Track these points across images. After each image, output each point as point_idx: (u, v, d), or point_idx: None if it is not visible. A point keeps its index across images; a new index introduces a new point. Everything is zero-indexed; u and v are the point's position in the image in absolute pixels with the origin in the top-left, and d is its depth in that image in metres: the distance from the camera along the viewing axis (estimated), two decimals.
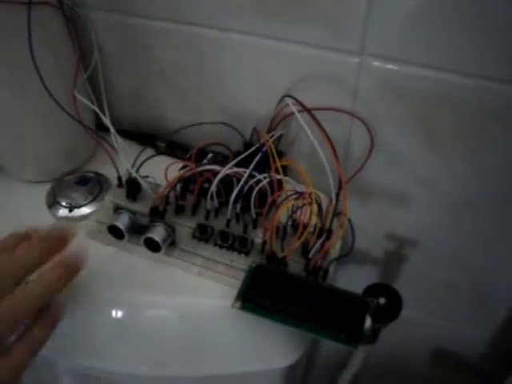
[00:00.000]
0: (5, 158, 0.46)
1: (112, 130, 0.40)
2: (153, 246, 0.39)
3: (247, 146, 0.44)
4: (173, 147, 0.49)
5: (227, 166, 0.38)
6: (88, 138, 0.46)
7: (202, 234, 0.40)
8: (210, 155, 0.45)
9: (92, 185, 0.45)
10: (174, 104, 0.47)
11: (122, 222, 0.39)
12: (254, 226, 0.40)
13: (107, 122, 0.41)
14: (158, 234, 0.38)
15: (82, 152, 0.48)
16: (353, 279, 0.51)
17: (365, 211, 0.47)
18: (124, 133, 0.47)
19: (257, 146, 0.40)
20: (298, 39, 0.38)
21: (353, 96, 0.39)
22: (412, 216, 0.46)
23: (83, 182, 0.45)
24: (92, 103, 0.42)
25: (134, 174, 0.40)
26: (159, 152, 0.48)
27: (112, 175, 0.45)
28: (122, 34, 0.44)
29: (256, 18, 0.38)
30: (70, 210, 0.44)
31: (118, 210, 0.40)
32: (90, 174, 0.46)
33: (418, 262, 0.50)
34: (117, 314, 0.39)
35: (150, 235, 0.38)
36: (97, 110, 0.41)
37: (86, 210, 0.44)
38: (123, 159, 0.40)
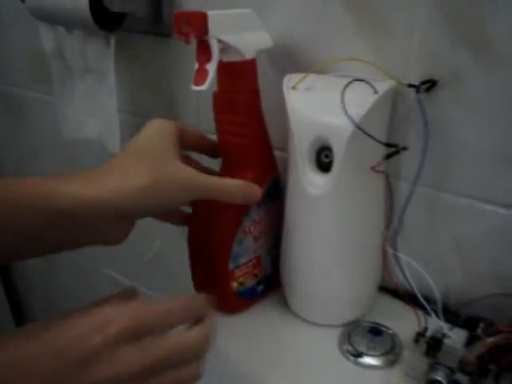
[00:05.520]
0: (297, 300, 0.52)
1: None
2: None
3: None
4: (446, 313, 0.52)
5: None
6: (374, 289, 0.52)
7: None
8: None
9: (385, 337, 0.48)
10: (459, 272, 0.52)
11: (442, 377, 0.41)
12: None
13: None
14: None
15: (368, 302, 0.52)
16: None
17: None
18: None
19: None
20: None
21: None
22: None
23: (376, 332, 0.49)
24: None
25: (447, 332, 0.43)
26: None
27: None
28: (423, 205, 0.50)
29: None
30: (357, 356, 0.47)
31: (433, 365, 0.43)
32: (382, 327, 0.49)
33: None
34: None
35: None
36: (421, 271, 0.46)
37: (370, 361, 0.47)
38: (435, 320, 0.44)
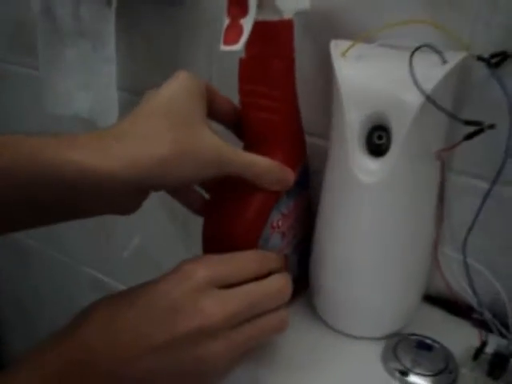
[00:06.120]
0: (330, 307, 0.44)
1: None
2: None
3: None
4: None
5: None
6: (419, 296, 0.45)
7: None
8: None
9: (436, 353, 0.41)
10: None
11: None
12: None
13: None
14: None
15: (411, 312, 0.45)
16: None
17: None
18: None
19: None
20: None
21: None
22: None
23: (425, 347, 0.42)
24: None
25: None
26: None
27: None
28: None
29: None
30: (404, 374, 0.40)
31: None
32: (431, 341, 0.42)
33: None
34: None
35: None
36: (490, 278, 0.39)
37: (421, 382, 0.39)
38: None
